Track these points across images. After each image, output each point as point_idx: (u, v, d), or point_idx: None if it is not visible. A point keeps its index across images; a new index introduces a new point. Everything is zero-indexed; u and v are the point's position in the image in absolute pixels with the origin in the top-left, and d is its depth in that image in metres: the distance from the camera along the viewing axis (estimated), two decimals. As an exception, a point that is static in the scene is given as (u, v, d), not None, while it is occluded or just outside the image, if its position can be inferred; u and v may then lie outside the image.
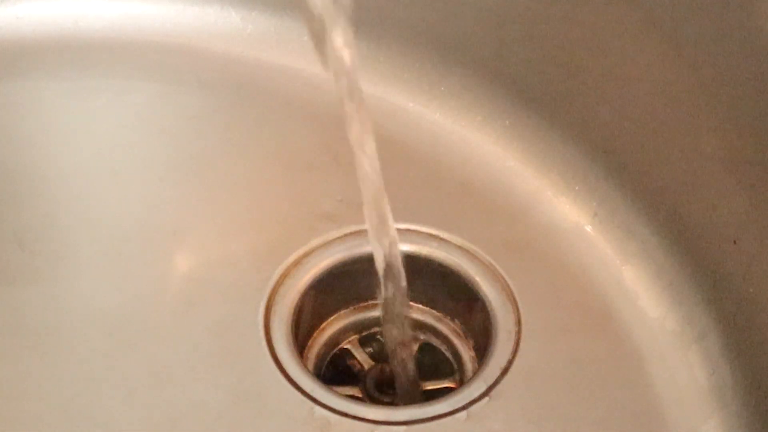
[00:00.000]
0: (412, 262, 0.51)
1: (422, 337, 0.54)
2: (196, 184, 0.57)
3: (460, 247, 0.54)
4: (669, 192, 0.54)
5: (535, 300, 0.52)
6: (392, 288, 0.48)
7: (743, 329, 0.50)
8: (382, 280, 0.48)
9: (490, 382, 0.50)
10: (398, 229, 0.48)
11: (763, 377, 0.49)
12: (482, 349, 0.52)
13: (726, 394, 0.50)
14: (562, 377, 0.50)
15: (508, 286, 0.53)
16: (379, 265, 0.48)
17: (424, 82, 0.60)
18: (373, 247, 0.48)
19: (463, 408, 0.49)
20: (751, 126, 0.49)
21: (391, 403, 0.51)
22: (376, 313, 0.54)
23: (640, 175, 0.55)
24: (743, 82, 0.49)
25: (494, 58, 0.58)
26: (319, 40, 0.42)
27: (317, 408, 0.49)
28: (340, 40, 0.42)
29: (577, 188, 0.56)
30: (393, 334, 0.50)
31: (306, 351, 0.53)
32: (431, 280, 0.53)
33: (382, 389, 0.52)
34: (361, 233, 0.53)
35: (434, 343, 0.54)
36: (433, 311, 0.54)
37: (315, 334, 0.53)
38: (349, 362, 0.53)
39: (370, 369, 0.53)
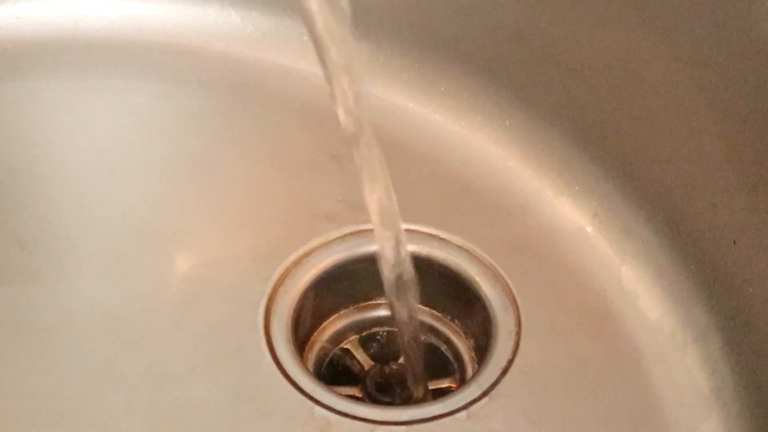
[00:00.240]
0: (412, 262, 0.51)
1: (422, 337, 0.54)
2: (196, 184, 0.57)
3: (460, 247, 0.54)
4: (669, 192, 0.54)
5: (535, 300, 0.52)
6: (402, 289, 0.48)
7: (743, 329, 0.50)
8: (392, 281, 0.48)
9: (490, 382, 0.50)
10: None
11: (763, 377, 0.49)
12: (482, 349, 0.52)
13: (726, 394, 0.50)
14: (562, 377, 0.50)
15: (508, 286, 0.53)
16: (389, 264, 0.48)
17: (424, 82, 0.60)
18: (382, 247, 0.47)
19: (463, 408, 0.49)
20: (751, 126, 0.49)
21: (391, 403, 0.51)
22: (376, 313, 0.54)
23: (640, 175, 0.55)
24: (743, 82, 0.49)
25: (494, 59, 0.58)
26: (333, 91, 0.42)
27: (317, 408, 0.49)
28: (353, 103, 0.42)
29: (577, 188, 0.56)
30: (403, 332, 0.50)
31: (306, 351, 0.53)
32: (431, 280, 0.53)
33: (382, 389, 0.52)
34: (361, 233, 0.53)
35: (434, 343, 0.54)
36: (433, 311, 0.54)
37: (315, 334, 0.53)
38: (349, 362, 0.53)
39: (370, 369, 0.53)
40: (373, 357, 0.53)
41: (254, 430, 0.48)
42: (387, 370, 0.52)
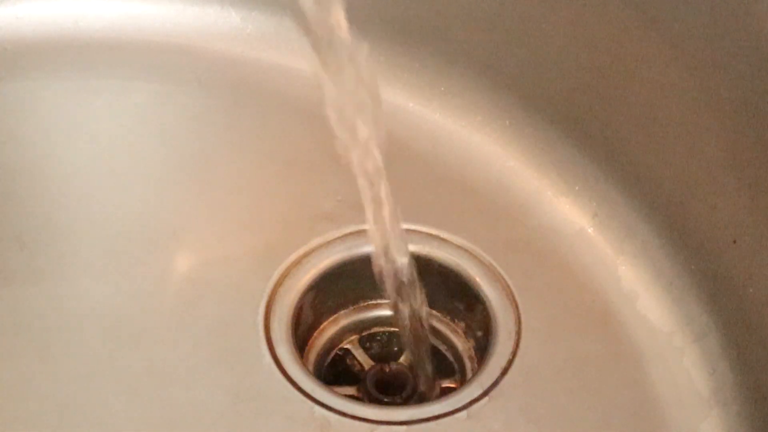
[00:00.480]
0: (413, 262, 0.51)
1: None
2: (196, 184, 0.57)
3: (460, 247, 0.54)
4: (669, 192, 0.54)
5: (535, 300, 0.52)
6: (406, 287, 0.48)
7: (743, 329, 0.50)
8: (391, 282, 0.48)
9: (490, 382, 0.50)
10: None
11: (763, 377, 0.49)
12: (482, 349, 0.52)
13: (726, 394, 0.50)
14: (562, 377, 0.50)
15: (508, 286, 0.53)
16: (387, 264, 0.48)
17: (424, 82, 0.60)
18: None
19: (463, 408, 0.49)
20: (751, 126, 0.49)
21: (391, 403, 0.51)
22: (376, 313, 0.54)
23: (640, 175, 0.55)
24: (743, 82, 0.49)
25: (494, 58, 0.58)
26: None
27: (317, 408, 0.49)
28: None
29: (577, 188, 0.56)
30: (408, 331, 0.50)
31: (306, 351, 0.53)
32: (431, 280, 0.53)
33: (382, 389, 0.52)
34: (361, 233, 0.53)
35: (435, 343, 0.54)
36: (434, 311, 0.54)
37: (315, 334, 0.53)
38: (349, 362, 0.53)
39: (370, 369, 0.53)
40: (373, 357, 0.53)
41: (254, 430, 0.49)
42: (387, 370, 0.52)
